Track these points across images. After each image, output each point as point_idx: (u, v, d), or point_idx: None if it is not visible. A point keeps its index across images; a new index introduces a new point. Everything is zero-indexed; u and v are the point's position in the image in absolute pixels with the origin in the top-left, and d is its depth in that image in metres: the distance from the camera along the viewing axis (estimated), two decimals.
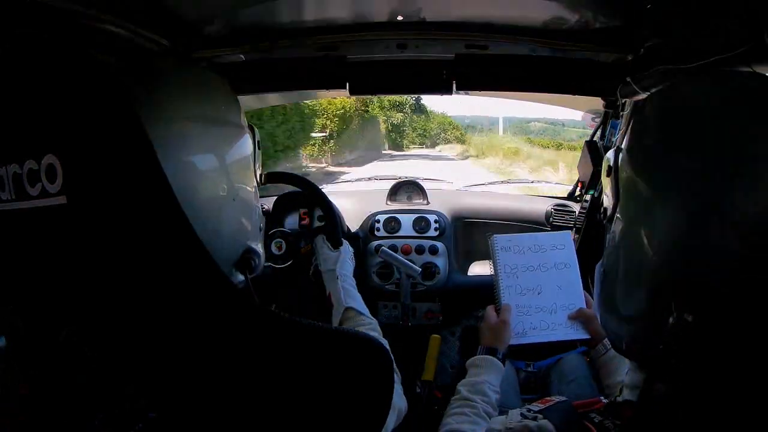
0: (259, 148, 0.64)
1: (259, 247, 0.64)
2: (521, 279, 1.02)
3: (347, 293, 0.96)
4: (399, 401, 0.72)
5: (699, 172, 0.41)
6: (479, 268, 1.60)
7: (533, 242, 1.05)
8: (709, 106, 0.44)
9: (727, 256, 0.39)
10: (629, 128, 0.53)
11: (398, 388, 0.75)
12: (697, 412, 0.43)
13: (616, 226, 0.52)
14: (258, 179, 0.64)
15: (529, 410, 0.54)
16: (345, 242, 1.09)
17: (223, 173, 0.54)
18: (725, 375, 0.41)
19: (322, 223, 1.32)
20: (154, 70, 0.54)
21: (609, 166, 0.56)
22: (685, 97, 0.48)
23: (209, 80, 0.57)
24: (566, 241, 1.06)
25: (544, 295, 1.01)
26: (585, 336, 0.98)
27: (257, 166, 0.63)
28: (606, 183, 0.58)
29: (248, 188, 0.59)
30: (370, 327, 0.88)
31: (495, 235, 1.05)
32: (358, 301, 0.95)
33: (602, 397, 0.53)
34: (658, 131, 0.48)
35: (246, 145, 0.58)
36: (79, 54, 0.38)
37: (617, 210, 0.52)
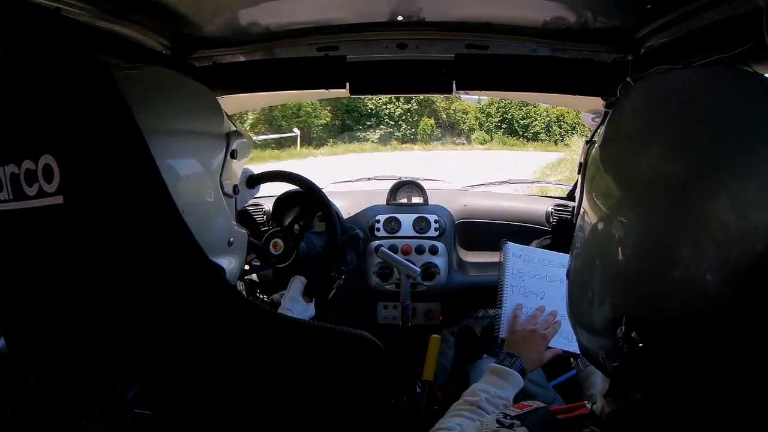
0: (234, 157, 0.58)
1: (228, 262, 0.59)
2: (527, 282, 1.02)
3: None
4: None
5: (677, 175, 0.36)
6: (480, 257, 1.60)
7: (544, 257, 1.06)
8: (693, 103, 0.39)
9: (703, 282, 0.33)
10: (605, 121, 0.47)
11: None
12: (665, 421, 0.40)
13: (583, 229, 0.47)
14: (234, 187, 0.60)
15: (506, 415, 0.51)
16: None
17: (175, 186, 0.49)
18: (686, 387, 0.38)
19: (322, 223, 1.31)
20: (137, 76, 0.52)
21: (580, 163, 0.52)
22: (668, 91, 0.42)
23: (184, 86, 0.55)
24: None
25: (547, 301, 1.00)
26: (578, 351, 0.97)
27: (223, 176, 0.57)
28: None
29: (204, 202, 0.54)
30: None
31: (509, 243, 1.06)
32: None
33: (587, 402, 0.51)
34: (634, 125, 0.43)
35: (209, 157, 0.55)
36: (77, 54, 0.38)
37: (583, 210, 0.46)
